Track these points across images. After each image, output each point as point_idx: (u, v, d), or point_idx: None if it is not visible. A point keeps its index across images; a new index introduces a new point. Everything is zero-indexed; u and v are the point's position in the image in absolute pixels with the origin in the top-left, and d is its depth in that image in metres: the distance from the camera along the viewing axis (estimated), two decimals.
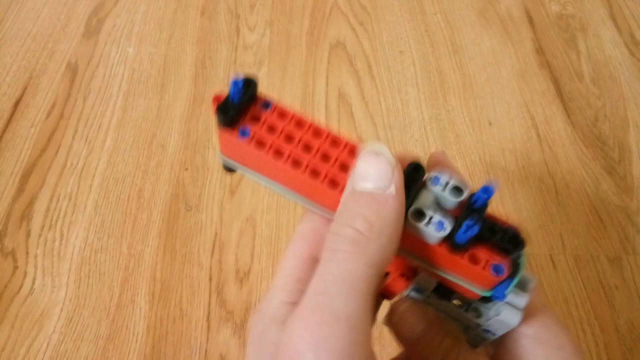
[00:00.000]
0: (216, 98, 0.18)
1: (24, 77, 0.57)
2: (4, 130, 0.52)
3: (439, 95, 0.54)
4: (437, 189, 0.17)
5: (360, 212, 0.15)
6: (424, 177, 0.17)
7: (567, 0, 0.61)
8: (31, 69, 0.57)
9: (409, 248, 0.17)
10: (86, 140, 0.52)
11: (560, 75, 0.55)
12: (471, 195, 0.17)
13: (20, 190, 0.48)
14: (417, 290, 0.20)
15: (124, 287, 0.43)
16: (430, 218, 0.16)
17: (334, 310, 0.14)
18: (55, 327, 0.41)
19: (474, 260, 0.16)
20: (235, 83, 0.17)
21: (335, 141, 0.18)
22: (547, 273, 0.43)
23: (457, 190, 0.17)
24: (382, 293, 0.22)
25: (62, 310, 0.42)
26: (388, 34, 0.59)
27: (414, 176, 0.17)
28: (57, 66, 0.57)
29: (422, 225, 0.16)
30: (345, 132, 0.51)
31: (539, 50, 0.57)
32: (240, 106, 0.18)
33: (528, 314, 0.18)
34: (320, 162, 0.17)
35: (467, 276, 0.17)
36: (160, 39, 0.60)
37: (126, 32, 0.60)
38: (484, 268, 0.16)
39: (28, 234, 0.46)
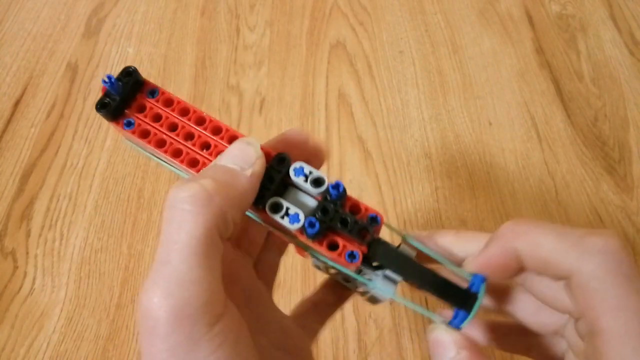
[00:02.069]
0: (103, 90, 0.19)
1: (24, 77, 0.57)
2: (4, 130, 0.52)
3: (439, 95, 0.54)
4: (299, 180, 0.18)
5: (211, 174, 0.16)
6: (290, 167, 0.19)
7: (567, 0, 0.61)
8: (31, 69, 0.57)
9: (281, 230, 0.19)
10: (86, 140, 0.52)
11: (560, 75, 0.55)
12: (328, 188, 0.18)
13: (20, 190, 0.48)
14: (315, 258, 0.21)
15: (124, 287, 0.43)
16: (287, 210, 0.18)
17: (179, 278, 0.14)
18: (55, 327, 0.41)
19: (332, 246, 0.18)
20: (107, 80, 0.18)
21: (216, 129, 0.19)
22: None
23: (317, 181, 0.18)
24: (298, 252, 0.23)
25: (62, 310, 0.42)
26: (388, 34, 0.59)
27: (277, 167, 0.18)
28: (57, 66, 0.57)
29: (278, 217, 0.18)
30: (345, 132, 0.51)
31: (539, 50, 0.57)
32: (123, 98, 0.19)
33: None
34: (200, 151, 0.19)
35: (331, 259, 0.18)
36: (160, 39, 0.60)
37: (126, 32, 0.60)
38: (339, 255, 0.18)
39: (28, 234, 0.46)
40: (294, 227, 0.18)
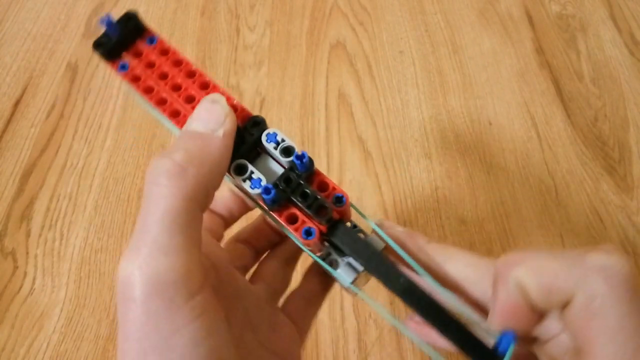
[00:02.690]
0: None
1: (24, 77, 0.57)
2: (4, 130, 0.52)
3: (439, 95, 0.54)
4: (269, 146, 0.18)
5: (183, 145, 0.16)
6: (263, 132, 0.18)
7: (567, 0, 0.61)
8: (31, 69, 0.57)
9: (247, 196, 0.19)
10: (86, 140, 0.52)
11: (560, 75, 0.55)
12: (294, 159, 0.18)
13: (20, 190, 0.48)
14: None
15: None
16: (251, 174, 0.18)
17: (160, 246, 0.15)
18: (55, 327, 0.41)
19: (290, 219, 0.18)
20: (105, 21, 0.19)
21: (204, 84, 0.19)
22: None
23: (287, 150, 0.18)
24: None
25: (62, 310, 0.42)
26: (388, 34, 0.59)
27: (250, 130, 0.18)
28: (57, 66, 0.57)
29: (240, 179, 0.18)
30: (345, 132, 0.51)
31: (539, 50, 0.57)
32: (121, 41, 0.19)
33: None
34: (183, 104, 0.19)
35: (291, 232, 0.18)
36: None
37: None
38: (297, 229, 0.18)
39: (28, 234, 0.46)
40: (253, 191, 0.17)
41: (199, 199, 0.16)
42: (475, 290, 0.18)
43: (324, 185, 0.18)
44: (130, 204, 0.47)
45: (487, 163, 0.49)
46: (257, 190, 0.17)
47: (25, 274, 0.44)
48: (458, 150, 0.50)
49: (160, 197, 0.15)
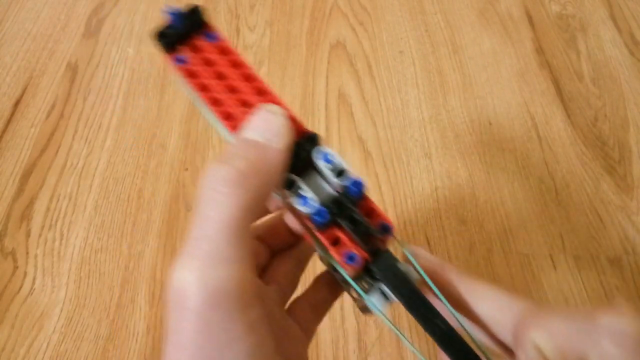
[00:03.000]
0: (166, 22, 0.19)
1: (24, 77, 0.57)
2: (4, 130, 0.52)
3: (439, 95, 0.54)
4: (322, 165, 0.18)
5: (243, 153, 0.16)
6: (317, 149, 0.18)
7: (567, 0, 0.61)
8: (31, 69, 0.57)
9: (291, 210, 0.18)
10: (86, 140, 0.52)
11: (560, 75, 0.55)
12: (349, 183, 0.17)
13: (20, 190, 0.48)
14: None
15: (124, 287, 0.43)
16: (301, 190, 0.17)
17: (217, 256, 0.14)
18: (55, 327, 0.41)
19: (334, 241, 0.17)
20: (172, 12, 0.18)
21: (260, 91, 0.18)
22: (547, 273, 0.43)
23: (341, 173, 0.18)
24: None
25: (62, 310, 0.42)
26: (388, 34, 0.59)
27: (305, 146, 0.18)
28: (57, 66, 0.57)
29: (289, 194, 0.17)
30: (345, 132, 0.51)
31: (539, 50, 0.57)
32: (182, 33, 0.19)
33: None
34: (238, 107, 0.18)
35: (331, 253, 0.17)
36: None
37: (126, 32, 0.60)
38: (339, 253, 0.17)
39: (28, 234, 0.46)
40: (303, 209, 0.17)
41: (255, 209, 0.16)
42: (500, 332, 0.18)
43: (370, 212, 0.18)
44: (130, 204, 0.47)
45: (487, 163, 0.49)
46: (307, 209, 0.17)
47: (25, 274, 0.43)
48: (458, 150, 0.50)
49: (220, 204, 0.15)
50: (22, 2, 0.64)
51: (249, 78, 0.19)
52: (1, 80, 0.56)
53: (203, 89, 0.18)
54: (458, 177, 0.48)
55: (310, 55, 0.57)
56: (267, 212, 0.23)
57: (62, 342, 0.40)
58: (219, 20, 0.61)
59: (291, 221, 0.22)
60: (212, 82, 0.18)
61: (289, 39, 0.59)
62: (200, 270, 0.14)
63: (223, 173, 0.15)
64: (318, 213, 0.17)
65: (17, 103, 0.54)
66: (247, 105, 0.18)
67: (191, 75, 0.19)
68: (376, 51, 0.58)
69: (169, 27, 0.19)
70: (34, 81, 0.56)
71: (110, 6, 0.63)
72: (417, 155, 0.49)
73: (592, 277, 0.42)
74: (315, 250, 0.22)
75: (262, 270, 0.23)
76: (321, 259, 0.21)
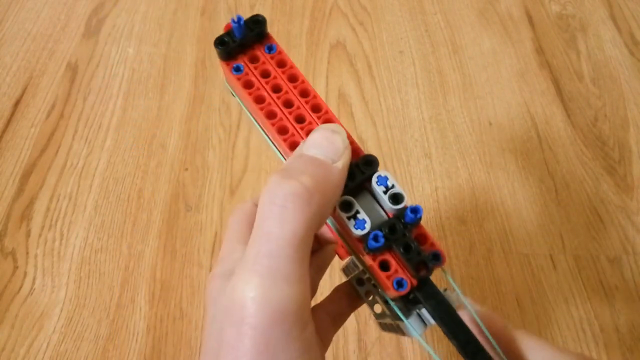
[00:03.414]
0: (226, 27, 0.19)
1: (24, 77, 0.57)
2: (4, 130, 0.52)
3: (439, 95, 0.54)
4: (378, 189, 0.18)
5: (307, 170, 0.16)
6: (374, 173, 0.18)
7: (567, 0, 0.61)
8: (31, 69, 0.57)
9: (341, 230, 0.18)
10: (86, 140, 0.52)
11: (560, 75, 0.55)
12: (405, 208, 0.17)
13: (20, 190, 0.48)
14: (355, 264, 0.20)
15: (124, 287, 0.43)
16: (356, 213, 0.17)
17: (283, 274, 0.14)
18: (55, 327, 0.41)
19: (384, 266, 0.17)
20: (235, 20, 0.18)
21: (316, 107, 0.18)
22: (547, 273, 0.43)
23: (396, 197, 0.17)
24: (338, 252, 0.23)
25: (62, 310, 0.42)
26: (388, 34, 0.59)
27: (362, 167, 0.18)
28: (57, 66, 0.57)
29: (345, 216, 0.17)
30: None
31: (539, 50, 0.57)
32: (242, 42, 0.18)
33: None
34: (293, 122, 0.18)
35: (377, 276, 0.17)
36: (160, 39, 0.60)
37: (126, 32, 0.60)
38: (388, 277, 0.17)
39: (28, 234, 0.46)
40: (357, 232, 0.17)
41: (316, 228, 0.15)
42: None
43: (422, 239, 0.18)
44: (130, 204, 0.47)
45: (487, 163, 0.49)
46: (361, 232, 0.17)
47: (25, 274, 0.43)
48: (458, 150, 0.50)
49: (284, 220, 0.15)
50: (22, 2, 0.64)
51: (305, 93, 0.19)
52: (1, 80, 0.56)
53: (259, 100, 0.18)
54: (458, 177, 0.48)
55: (310, 55, 0.57)
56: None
57: (62, 342, 0.40)
58: (219, 20, 0.61)
59: (323, 229, 0.21)
60: (268, 95, 0.18)
61: (289, 39, 0.59)
62: (263, 288, 0.14)
63: (289, 188, 0.15)
64: (374, 238, 0.17)
65: (17, 103, 0.54)
66: (301, 121, 0.18)
67: (247, 85, 0.19)
68: (376, 51, 0.58)
69: (229, 34, 0.19)
70: (34, 81, 0.56)
71: (110, 6, 0.63)
72: (417, 155, 0.49)
73: (592, 277, 0.42)
74: (333, 257, 0.21)
75: None
76: (345, 272, 0.21)
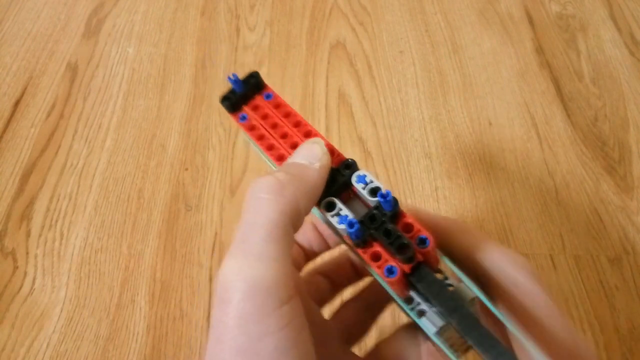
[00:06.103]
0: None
1: (24, 77, 0.57)
2: (4, 130, 0.52)
3: (439, 95, 0.54)
4: (359, 187, 0.19)
5: (284, 169, 0.19)
6: (353, 173, 0.20)
7: (567, 0, 0.61)
8: (31, 69, 0.57)
9: (334, 232, 0.20)
10: (86, 140, 0.52)
11: (560, 75, 0.55)
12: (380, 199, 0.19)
13: (20, 190, 0.48)
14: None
15: (124, 287, 0.43)
16: (340, 211, 0.19)
17: (256, 254, 0.16)
18: (55, 327, 0.41)
19: (374, 257, 0.18)
20: (232, 78, 0.22)
21: (307, 133, 0.22)
22: (547, 273, 0.43)
23: (374, 190, 0.19)
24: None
25: (62, 310, 0.42)
26: (388, 34, 0.59)
27: (342, 171, 0.20)
28: (57, 66, 0.57)
29: (329, 215, 0.19)
30: (345, 132, 0.51)
31: (539, 50, 0.57)
32: (243, 96, 0.23)
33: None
34: (289, 149, 0.21)
35: (372, 267, 0.18)
36: (160, 39, 0.60)
37: (126, 32, 0.60)
38: (379, 267, 0.18)
39: (28, 234, 0.46)
40: (340, 226, 0.19)
41: (293, 216, 0.17)
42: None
43: (409, 227, 0.19)
44: (130, 204, 0.47)
45: (487, 163, 0.49)
46: (344, 226, 0.18)
47: (25, 274, 0.44)
48: (458, 150, 0.50)
49: (260, 208, 0.17)
50: (22, 2, 0.64)
51: (298, 124, 0.22)
52: (1, 80, 0.56)
53: (260, 138, 0.22)
54: (458, 177, 0.48)
55: (310, 56, 0.58)
56: (327, 247, 0.25)
57: (62, 342, 0.40)
58: (219, 20, 0.61)
59: (353, 256, 0.24)
60: (268, 132, 0.22)
61: (289, 39, 0.59)
62: (241, 268, 0.16)
63: (265, 182, 0.17)
64: (350, 225, 0.18)
65: (17, 103, 0.54)
66: (295, 146, 0.21)
67: (251, 128, 0.22)
68: (376, 51, 0.58)
69: (231, 91, 0.23)
70: (34, 81, 0.56)
71: (110, 6, 0.63)
72: (417, 155, 0.49)
73: (592, 277, 0.42)
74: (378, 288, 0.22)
75: (322, 303, 0.25)
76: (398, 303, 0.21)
